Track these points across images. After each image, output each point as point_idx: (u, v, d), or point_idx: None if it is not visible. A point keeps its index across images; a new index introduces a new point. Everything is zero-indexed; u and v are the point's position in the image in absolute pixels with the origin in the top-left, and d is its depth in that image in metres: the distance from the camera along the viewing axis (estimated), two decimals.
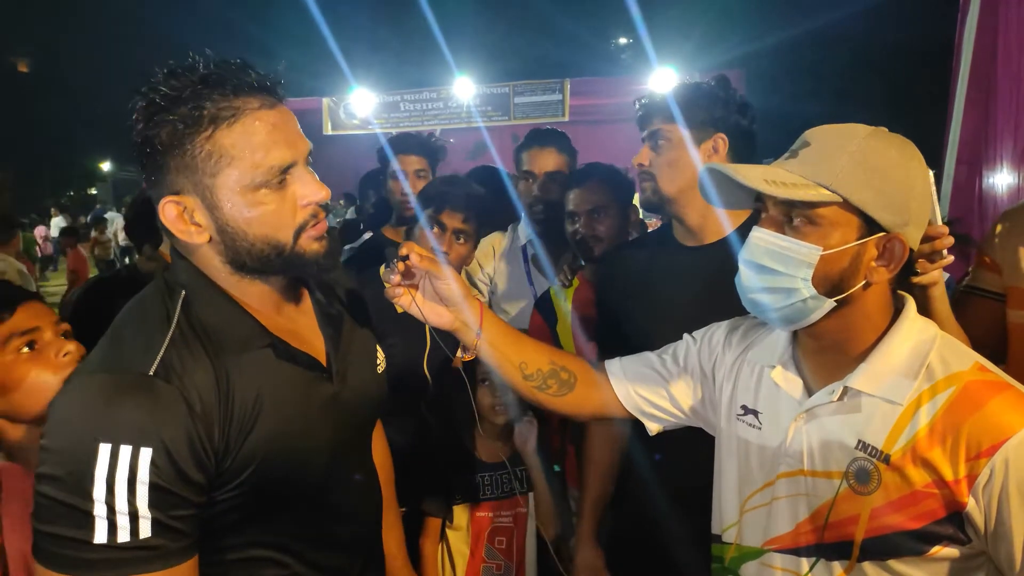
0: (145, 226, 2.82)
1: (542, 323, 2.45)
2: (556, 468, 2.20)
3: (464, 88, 8.05)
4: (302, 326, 1.25)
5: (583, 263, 2.44)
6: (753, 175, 1.11)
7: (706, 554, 1.40)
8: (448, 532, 2.20)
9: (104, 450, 0.96)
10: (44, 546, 0.99)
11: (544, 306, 2.49)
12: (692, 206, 1.70)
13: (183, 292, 1.12)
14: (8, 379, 1.30)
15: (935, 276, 1.35)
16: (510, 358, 1.43)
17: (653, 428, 1.47)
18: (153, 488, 0.98)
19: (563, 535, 2.24)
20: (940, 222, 1.31)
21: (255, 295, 1.17)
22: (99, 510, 0.96)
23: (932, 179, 1.22)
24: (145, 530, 0.98)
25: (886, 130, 1.15)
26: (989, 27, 3.28)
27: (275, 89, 1.11)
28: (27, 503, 1.20)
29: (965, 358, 1.11)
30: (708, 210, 1.67)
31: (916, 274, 1.31)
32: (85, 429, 0.98)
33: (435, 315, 1.35)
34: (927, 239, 1.27)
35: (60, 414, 1.02)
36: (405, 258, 1.27)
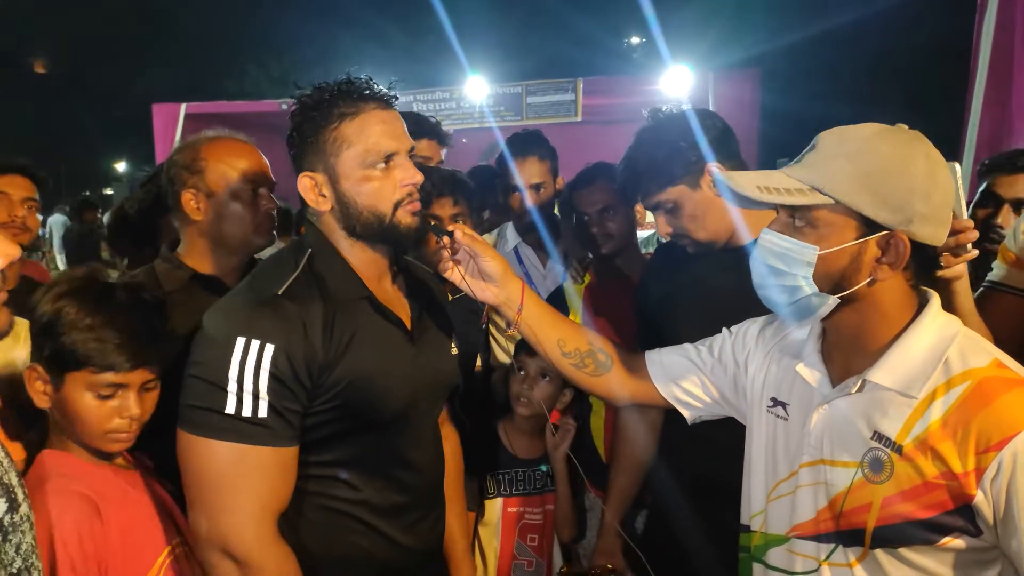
0: (128, 237, 2.80)
1: None
2: (543, 468, 2.21)
3: (476, 88, 8.04)
4: (395, 297, 1.54)
5: (591, 258, 2.49)
6: (746, 182, 1.18)
7: (734, 547, 1.43)
8: (479, 528, 2.21)
9: (240, 342, 1.27)
10: (186, 415, 1.29)
11: (556, 303, 2.50)
12: (729, 230, 1.74)
13: (309, 250, 1.44)
14: (74, 405, 1.39)
15: (959, 270, 1.36)
16: (549, 335, 1.54)
17: (688, 416, 1.54)
18: (272, 377, 1.28)
19: (577, 538, 2.24)
20: (965, 216, 1.31)
21: (363, 260, 1.47)
22: (231, 387, 1.26)
23: (959, 172, 1.22)
24: (263, 410, 1.28)
25: (904, 127, 1.16)
26: (1007, 26, 3.24)
27: (388, 98, 1.44)
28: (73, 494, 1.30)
29: (984, 354, 1.12)
30: (737, 223, 1.72)
31: (940, 268, 1.31)
32: (226, 327, 1.31)
33: (480, 290, 1.53)
34: (951, 233, 1.26)
35: (209, 320, 1.34)
36: (451, 234, 1.47)
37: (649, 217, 2.47)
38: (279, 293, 1.33)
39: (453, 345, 1.67)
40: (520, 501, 2.22)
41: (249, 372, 1.26)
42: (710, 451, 1.59)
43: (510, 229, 2.96)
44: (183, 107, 7.93)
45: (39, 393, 1.36)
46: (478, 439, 2.22)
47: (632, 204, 2.40)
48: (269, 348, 1.27)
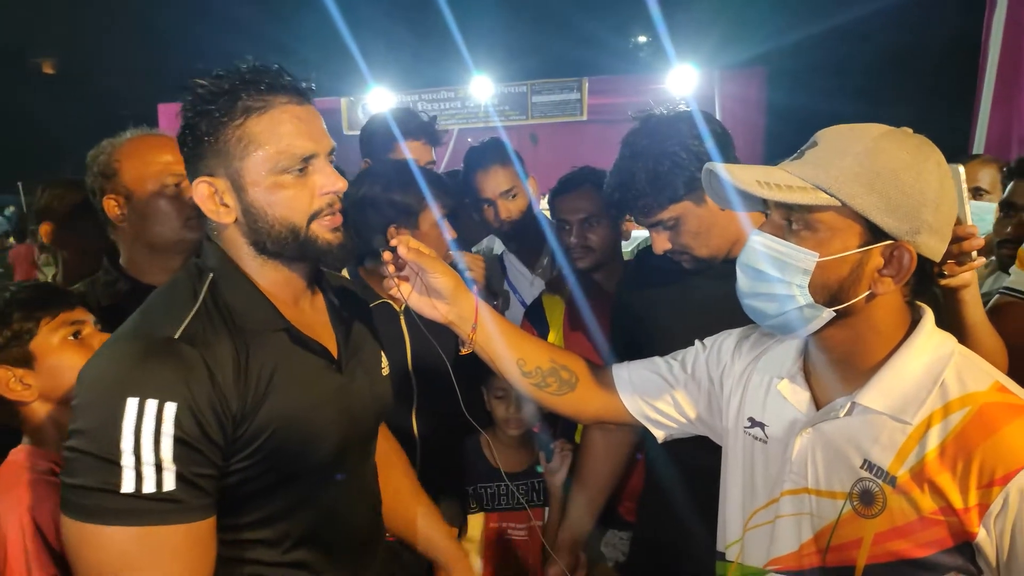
0: (71, 232, 2.74)
1: (532, 332, 2.37)
2: (538, 469, 2.18)
3: (482, 87, 8.04)
4: (315, 321, 1.34)
5: (564, 274, 2.36)
6: (746, 176, 1.07)
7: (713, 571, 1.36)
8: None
9: (132, 404, 1.03)
10: (72, 498, 1.04)
11: (535, 314, 2.41)
12: (730, 244, 1.64)
13: (211, 275, 1.22)
14: (54, 359, 1.41)
15: (966, 278, 1.29)
16: (508, 354, 1.41)
17: (659, 435, 1.45)
18: (177, 442, 1.05)
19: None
20: (969, 222, 1.25)
21: (276, 282, 1.27)
22: (126, 460, 1.03)
23: (963, 177, 1.18)
24: (169, 483, 1.05)
25: (909, 131, 1.08)
26: (1017, 24, 3.22)
27: (304, 90, 1.23)
28: (51, 484, 1.30)
29: (983, 377, 1.04)
30: (739, 236, 1.61)
31: (935, 283, 1.26)
32: (113, 385, 1.06)
33: (429, 308, 1.38)
34: (955, 240, 1.20)
35: (90, 373, 1.10)
36: (393, 249, 1.33)
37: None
38: (175, 337, 1.10)
39: (384, 364, 1.52)
40: (504, 516, 2.17)
41: (147, 439, 1.03)
42: (698, 467, 1.49)
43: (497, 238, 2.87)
44: None
45: (17, 389, 1.38)
46: (459, 453, 2.19)
47: (621, 216, 2.27)
48: (170, 407, 1.04)
